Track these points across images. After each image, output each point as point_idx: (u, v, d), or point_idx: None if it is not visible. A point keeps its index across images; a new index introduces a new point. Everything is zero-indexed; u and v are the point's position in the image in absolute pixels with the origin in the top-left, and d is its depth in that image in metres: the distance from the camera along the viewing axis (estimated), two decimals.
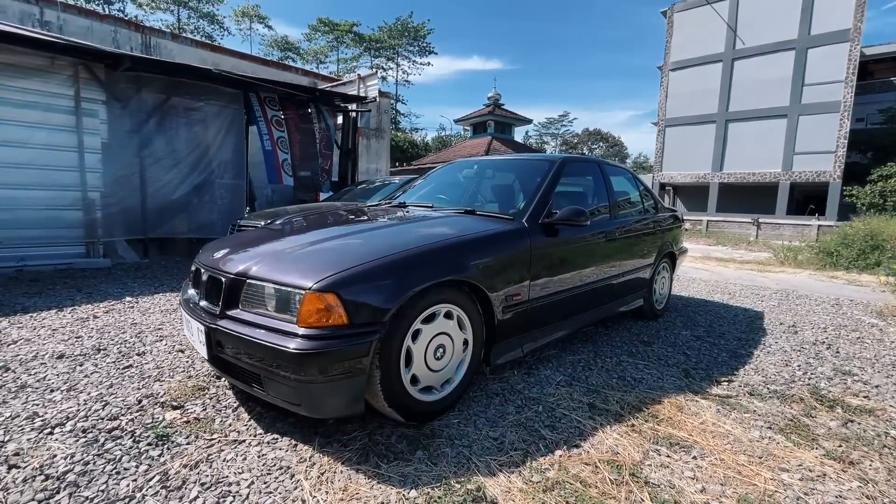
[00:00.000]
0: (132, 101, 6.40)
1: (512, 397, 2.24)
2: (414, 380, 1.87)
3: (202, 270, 2.03)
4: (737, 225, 20.00)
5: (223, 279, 1.84)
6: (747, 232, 19.38)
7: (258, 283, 1.75)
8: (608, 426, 2.01)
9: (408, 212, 2.66)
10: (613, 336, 3.42)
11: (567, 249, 2.61)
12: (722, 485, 1.65)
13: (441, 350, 1.95)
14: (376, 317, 1.67)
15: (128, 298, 4.03)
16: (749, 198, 22.29)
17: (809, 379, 2.81)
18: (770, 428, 2.10)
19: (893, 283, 6.36)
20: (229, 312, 1.80)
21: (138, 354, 2.65)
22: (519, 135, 31.03)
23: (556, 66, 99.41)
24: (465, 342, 2.08)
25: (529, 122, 28.81)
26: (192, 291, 2.15)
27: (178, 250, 7.20)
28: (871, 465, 1.80)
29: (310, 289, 1.60)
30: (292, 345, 1.55)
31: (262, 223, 5.04)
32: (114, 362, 2.52)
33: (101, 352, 2.67)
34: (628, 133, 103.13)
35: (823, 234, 15.95)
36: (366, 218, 2.53)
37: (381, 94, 16.09)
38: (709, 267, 8.88)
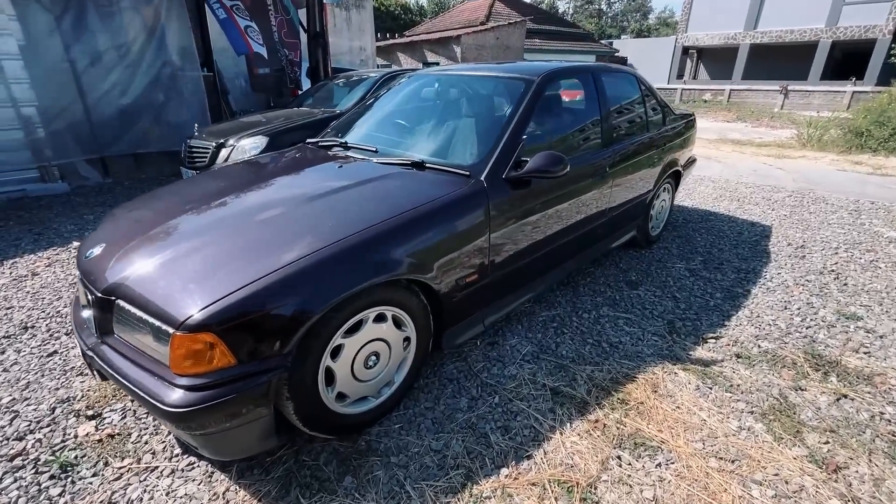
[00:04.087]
0: None
1: (467, 384, 2.02)
2: (342, 395, 1.62)
3: (78, 273, 1.66)
4: (762, 94, 18.27)
5: (90, 296, 1.49)
6: (773, 102, 17.76)
7: (127, 307, 1.40)
8: (569, 423, 1.81)
9: (342, 164, 2.14)
10: (598, 276, 3.11)
11: (541, 203, 2.15)
12: None
13: (374, 358, 1.66)
14: (275, 349, 1.35)
15: (74, 244, 3.72)
16: (781, 61, 19.96)
17: (807, 328, 2.55)
18: (752, 413, 1.89)
19: None
20: (106, 339, 1.48)
21: (67, 334, 2.43)
22: None
23: None
24: (407, 339, 1.78)
25: None
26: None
27: (148, 164, 6.61)
28: (856, 472, 1.61)
29: (178, 328, 1.26)
30: (167, 399, 1.26)
31: (214, 143, 4.48)
32: (39, 346, 2.31)
33: (29, 331, 2.46)
34: None
35: (857, 102, 14.49)
36: (287, 181, 2.02)
37: None
38: (722, 154, 8.17)
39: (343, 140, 2.43)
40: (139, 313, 1.36)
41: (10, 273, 3.18)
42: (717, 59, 22.58)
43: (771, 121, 13.93)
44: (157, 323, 1.31)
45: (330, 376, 1.55)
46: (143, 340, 1.39)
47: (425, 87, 2.67)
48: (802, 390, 2.04)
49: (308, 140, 2.65)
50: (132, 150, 6.32)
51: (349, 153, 2.27)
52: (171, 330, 1.27)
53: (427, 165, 2.01)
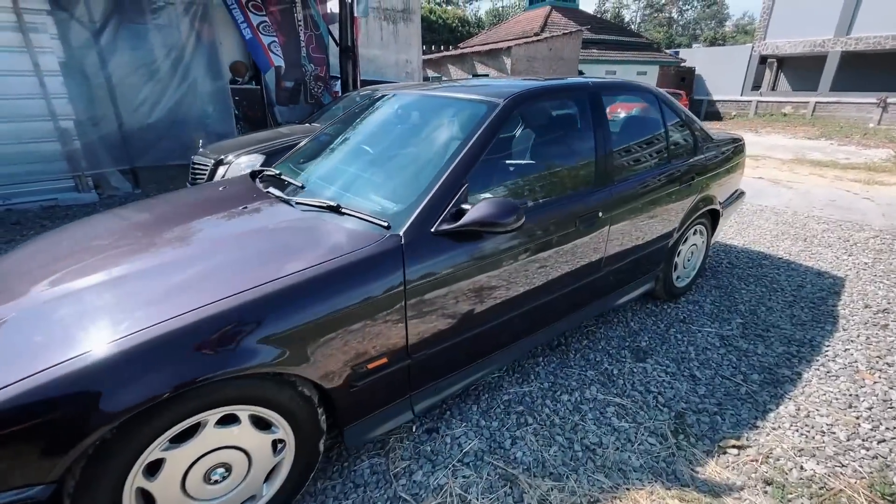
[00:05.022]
0: (80, 6, 5.52)
1: (375, 494, 1.56)
2: None
3: None
4: (854, 108, 16.19)
5: None
6: (867, 116, 15.67)
7: None
8: None
9: (247, 206, 1.78)
10: (598, 338, 2.53)
11: (492, 261, 1.67)
12: None
13: (221, 470, 1.27)
14: (37, 475, 0.99)
15: None
16: (878, 71, 17.60)
17: (880, 442, 1.84)
18: None
19: None
20: None
21: None
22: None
23: None
24: (280, 442, 1.37)
25: None
26: None
27: (176, 176, 6.75)
28: None
29: None
30: None
31: (213, 160, 4.37)
32: None
33: None
34: None
35: None
36: (162, 234, 1.64)
37: None
38: (796, 178, 7.06)
39: (278, 172, 2.09)
40: None
41: None
42: (800, 69, 20.37)
43: (863, 138, 12.16)
44: None
45: (149, 498, 1.18)
46: None
47: (383, 110, 2.25)
48: None
49: (254, 169, 2.34)
50: (161, 162, 6.48)
51: (272, 189, 1.91)
52: None
53: (343, 210, 1.60)
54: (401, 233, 1.46)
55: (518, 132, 1.97)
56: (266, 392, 1.26)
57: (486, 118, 1.73)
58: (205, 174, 4.35)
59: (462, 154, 1.62)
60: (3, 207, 5.36)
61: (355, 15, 7.39)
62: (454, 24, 30.77)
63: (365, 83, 7.72)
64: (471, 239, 1.59)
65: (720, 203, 2.91)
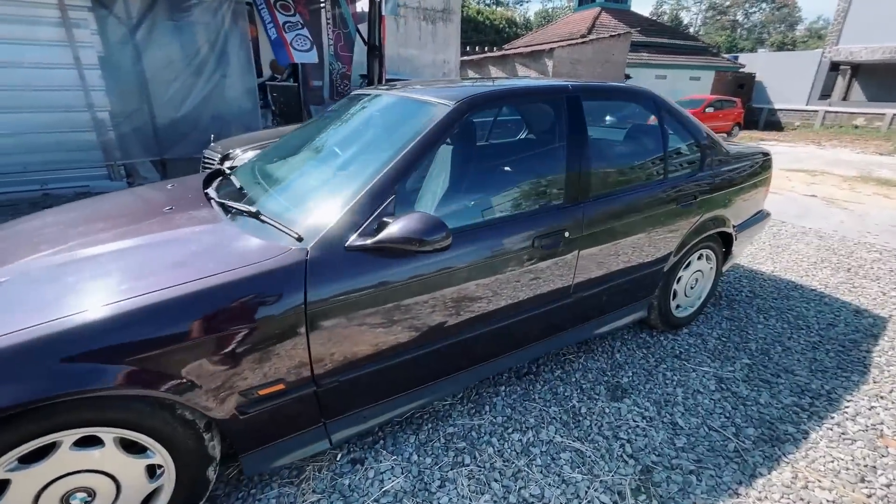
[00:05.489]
0: (119, 3, 5.78)
1: None
2: None
3: None
4: None
5: None
6: None
7: None
8: None
9: (173, 208, 1.69)
10: (575, 369, 2.28)
11: (419, 284, 1.48)
12: None
13: (85, 496, 1.17)
14: None
15: None
16: None
17: None
18: None
19: None
20: None
21: None
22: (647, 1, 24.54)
23: None
24: (158, 468, 1.26)
25: None
26: None
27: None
28: None
29: None
30: None
31: (219, 154, 4.42)
32: None
33: None
34: None
35: None
36: (74, 238, 1.54)
37: None
38: (856, 198, 6.35)
39: (230, 173, 2.01)
40: None
41: None
42: (877, 77, 18.55)
43: None
44: None
45: None
46: None
47: (346, 112, 2.11)
48: None
49: (217, 167, 2.27)
50: (188, 154, 6.70)
51: (210, 191, 1.82)
52: None
53: (262, 218, 1.47)
54: (308, 247, 1.31)
55: (476, 139, 1.77)
56: (132, 415, 1.15)
57: (429, 122, 1.55)
58: (211, 167, 4.41)
59: (394, 161, 1.45)
60: (41, 192, 5.70)
61: (383, 14, 7.35)
62: (501, 25, 30.41)
63: (389, 82, 7.69)
64: (393, 256, 1.42)
65: (734, 226, 2.57)
